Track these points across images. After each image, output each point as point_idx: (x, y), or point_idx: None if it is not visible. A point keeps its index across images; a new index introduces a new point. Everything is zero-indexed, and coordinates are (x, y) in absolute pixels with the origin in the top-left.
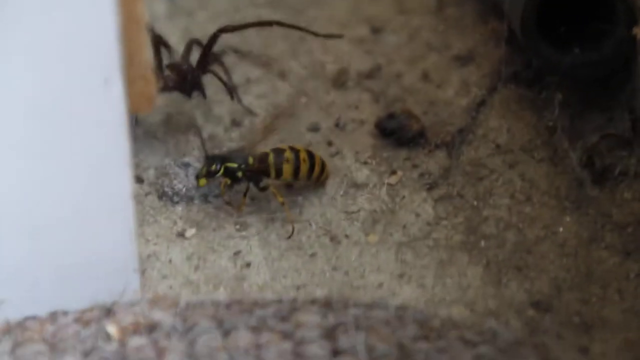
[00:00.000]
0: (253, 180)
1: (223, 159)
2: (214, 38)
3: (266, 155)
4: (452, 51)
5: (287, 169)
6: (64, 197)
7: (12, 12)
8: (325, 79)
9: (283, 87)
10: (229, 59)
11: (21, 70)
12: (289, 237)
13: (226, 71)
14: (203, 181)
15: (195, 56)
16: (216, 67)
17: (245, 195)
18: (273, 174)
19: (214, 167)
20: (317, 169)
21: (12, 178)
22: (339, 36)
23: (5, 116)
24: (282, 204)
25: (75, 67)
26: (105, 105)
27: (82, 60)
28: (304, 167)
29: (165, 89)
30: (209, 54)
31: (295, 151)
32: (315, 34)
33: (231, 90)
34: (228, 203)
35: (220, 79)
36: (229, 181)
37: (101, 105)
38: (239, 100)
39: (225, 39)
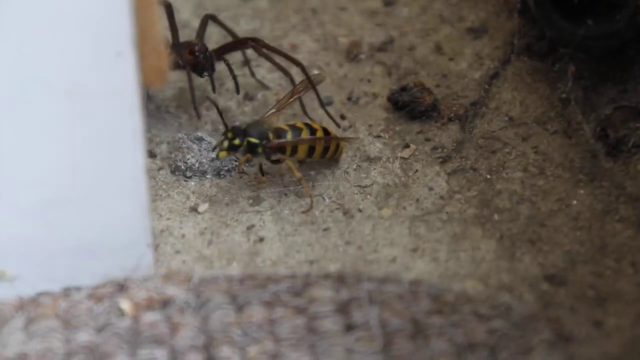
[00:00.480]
0: (268, 155)
1: (244, 132)
2: (240, 43)
3: (284, 132)
4: (465, 23)
5: (302, 148)
6: (76, 172)
7: None
8: (337, 52)
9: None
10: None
11: (33, 44)
12: (306, 211)
13: (247, 62)
14: (223, 154)
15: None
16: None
17: (261, 169)
18: (289, 151)
19: (237, 141)
20: (331, 147)
21: (24, 153)
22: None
23: (17, 91)
24: (300, 179)
25: (88, 40)
26: (118, 79)
27: (94, 33)
28: (319, 147)
29: (176, 66)
30: (229, 48)
31: (312, 130)
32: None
33: (238, 86)
34: (243, 172)
35: (231, 71)
36: (250, 156)
37: (113, 79)
38: (252, 74)
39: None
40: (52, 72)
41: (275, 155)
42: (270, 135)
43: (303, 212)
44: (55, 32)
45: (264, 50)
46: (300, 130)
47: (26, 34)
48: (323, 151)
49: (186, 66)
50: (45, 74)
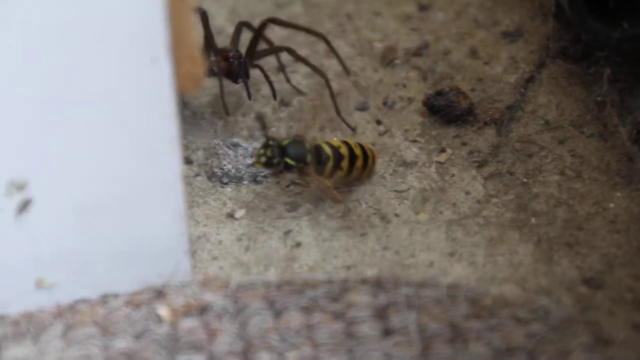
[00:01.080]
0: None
1: (283, 151)
2: (273, 49)
3: (326, 157)
4: (500, 27)
5: (340, 174)
6: (113, 179)
7: None
8: (372, 57)
9: (331, 66)
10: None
11: (69, 51)
12: (343, 215)
13: (282, 68)
14: (259, 165)
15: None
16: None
17: (297, 183)
18: (327, 173)
19: (275, 160)
20: (369, 165)
21: (61, 160)
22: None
23: (54, 98)
24: (327, 189)
25: (123, 46)
26: (153, 86)
27: (129, 40)
28: (356, 172)
29: (212, 73)
30: (263, 53)
31: (352, 155)
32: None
33: (274, 92)
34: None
35: (267, 77)
36: (284, 174)
37: (149, 86)
38: (287, 80)
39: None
40: (87, 79)
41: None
42: (308, 158)
43: (340, 217)
44: (91, 39)
45: (299, 54)
46: (342, 157)
47: (62, 42)
48: (360, 170)
49: (218, 72)
50: (81, 81)
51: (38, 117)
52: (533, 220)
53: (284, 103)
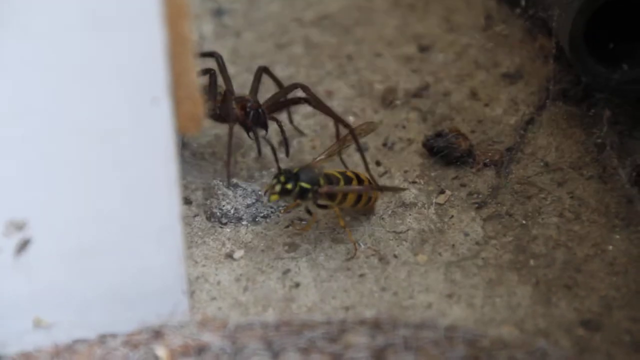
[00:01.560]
0: (316, 199)
1: (296, 177)
2: (293, 101)
3: (336, 179)
4: (500, 69)
5: (351, 197)
6: (112, 219)
7: (61, 33)
8: (373, 98)
9: (331, 107)
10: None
11: (68, 90)
12: (351, 258)
13: (291, 120)
14: (275, 197)
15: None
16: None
17: (308, 211)
18: (338, 199)
19: (289, 185)
20: (373, 197)
21: (60, 200)
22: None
23: (53, 136)
24: (344, 227)
25: (123, 86)
26: (153, 125)
27: (129, 80)
28: (365, 197)
29: (224, 120)
30: (282, 105)
31: (360, 180)
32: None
33: (288, 149)
34: (288, 212)
35: (283, 133)
36: (300, 202)
37: (149, 125)
38: (290, 121)
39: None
40: (87, 117)
41: (323, 201)
42: (321, 181)
43: (348, 259)
44: (91, 78)
45: (317, 104)
46: (350, 179)
47: (62, 79)
48: (366, 201)
49: (230, 123)
50: (81, 119)
51: (38, 157)
52: (532, 262)
53: (283, 144)
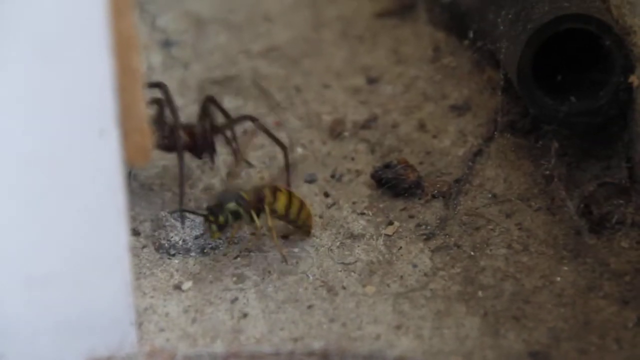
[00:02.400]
0: (249, 214)
1: (220, 206)
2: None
3: (261, 188)
4: (449, 101)
5: (281, 200)
6: (59, 250)
7: (9, 63)
8: (321, 129)
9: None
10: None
11: (15, 120)
12: (283, 261)
13: (234, 138)
14: (218, 234)
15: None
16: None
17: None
18: (269, 203)
19: (222, 219)
20: (304, 210)
21: (7, 230)
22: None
23: (0, 167)
24: (271, 230)
25: (70, 117)
26: (101, 157)
27: (77, 111)
28: (295, 204)
29: (172, 149)
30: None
31: (286, 189)
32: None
33: (237, 155)
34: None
35: (230, 144)
36: (241, 223)
37: (96, 157)
38: (235, 153)
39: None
40: (33, 148)
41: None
42: (245, 195)
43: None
44: (38, 109)
45: (263, 126)
46: (275, 188)
47: (8, 109)
48: (298, 211)
49: (179, 151)
50: (28, 150)
51: None
52: (480, 293)
53: (232, 174)
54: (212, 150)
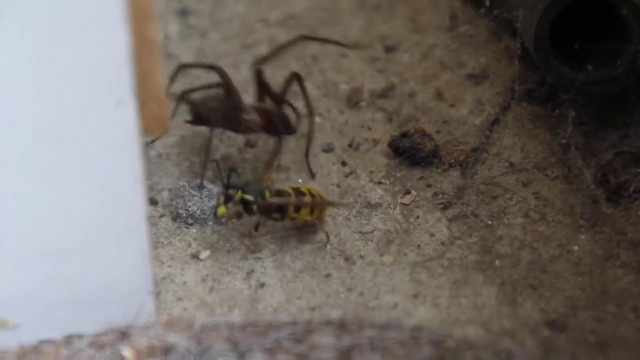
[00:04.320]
0: (265, 214)
1: (240, 189)
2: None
3: (287, 193)
4: (466, 69)
5: (304, 212)
6: (77, 221)
7: (25, 35)
8: (338, 98)
9: (298, 107)
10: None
11: (34, 93)
12: (326, 244)
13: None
14: (222, 209)
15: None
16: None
17: (257, 229)
18: (291, 211)
19: (231, 191)
20: (324, 212)
21: (26, 203)
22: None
23: (18, 139)
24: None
25: (88, 88)
26: (118, 127)
27: (94, 82)
28: (317, 211)
29: (250, 131)
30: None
31: (312, 195)
32: (343, 45)
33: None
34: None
35: (296, 112)
36: (242, 209)
37: (114, 127)
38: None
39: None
40: (52, 120)
41: (272, 214)
42: (267, 194)
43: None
44: (55, 80)
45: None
46: (303, 194)
47: (26, 81)
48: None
49: (210, 130)
50: (45, 121)
51: (1, 160)
52: (497, 262)
53: (250, 144)
54: (288, 125)
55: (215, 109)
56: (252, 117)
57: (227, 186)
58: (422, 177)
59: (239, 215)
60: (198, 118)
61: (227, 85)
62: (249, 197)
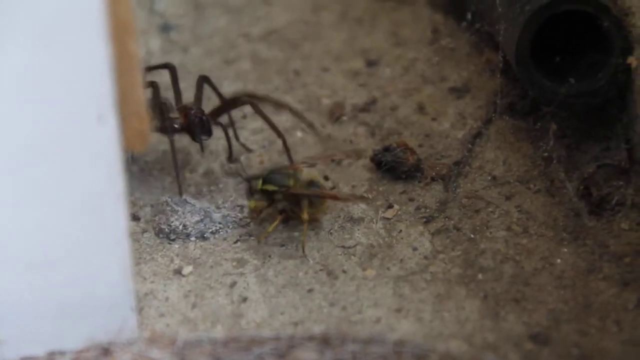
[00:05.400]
0: (291, 203)
1: (263, 178)
2: (235, 102)
3: (318, 184)
4: (448, 83)
5: (325, 205)
6: (59, 235)
7: (6, 49)
8: (320, 113)
9: (279, 122)
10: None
11: (15, 107)
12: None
13: (232, 124)
14: (252, 203)
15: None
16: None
17: (281, 216)
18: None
19: (254, 181)
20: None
21: (8, 217)
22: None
23: (0, 155)
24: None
25: (69, 103)
26: (99, 142)
27: (75, 97)
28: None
29: (170, 130)
30: (225, 108)
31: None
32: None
33: (231, 152)
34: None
35: (227, 137)
36: (264, 203)
37: (95, 142)
38: (237, 138)
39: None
40: (33, 134)
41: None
42: (291, 182)
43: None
44: (37, 95)
45: (260, 109)
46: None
47: (7, 96)
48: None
49: (170, 134)
50: (27, 136)
51: None
52: (480, 276)
53: (232, 160)
54: (207, 133)
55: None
56: (175, 116)
57: (249, 179)
58: (404, 191)
59: (268, 205)
60: None
61: (173, 84)
62: (272, 188)
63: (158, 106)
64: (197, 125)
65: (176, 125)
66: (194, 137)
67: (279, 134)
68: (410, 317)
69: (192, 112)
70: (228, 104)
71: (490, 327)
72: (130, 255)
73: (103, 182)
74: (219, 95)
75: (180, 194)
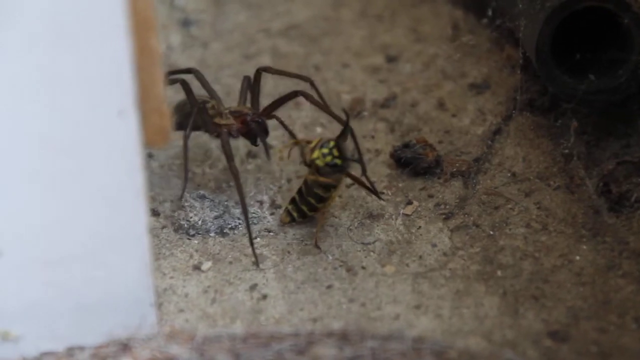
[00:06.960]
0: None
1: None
2: (287, 97)
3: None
4: (468, 79)
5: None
6: (79, 231)
7: (27, 45)
8: (340, 108)
9: (298, 117)
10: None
11: (35, 103)
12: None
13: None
14: (317, 152)
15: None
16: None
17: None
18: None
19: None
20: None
21: (28, 213)
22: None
23: (20, 149)
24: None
25: (89, 98)
26: (120, 138)
27: (95, 92)
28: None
29: (224, 137)
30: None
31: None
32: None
33: (293, 135)
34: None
35: (284, 125)
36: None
37: (115, 138)
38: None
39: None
40: (53, 130)
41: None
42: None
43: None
44: (57, 91)
45: (316, 99)
46: None
47: (27, 93)
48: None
49: (185, 132)
50: (47, 132)
51: (3, 170)
52: (499, 272)
53: (251, 155)
54: (264, 134)
55: (189, 113)
56: (228, 121)
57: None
58: (424, 188)
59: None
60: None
61: (203, 86)
62: (338, 162)
63: (197, 108)
64: (259, 129)
65: (233, 133)
66: (254, 142)
67: (339, 120)
68: (429, 314)
69: (249, 117)
70: (281, 99)
71: (509, 324)
72: (150, 251)
73: (123, 177)
74: (253, 96)
75: (181, 197)
